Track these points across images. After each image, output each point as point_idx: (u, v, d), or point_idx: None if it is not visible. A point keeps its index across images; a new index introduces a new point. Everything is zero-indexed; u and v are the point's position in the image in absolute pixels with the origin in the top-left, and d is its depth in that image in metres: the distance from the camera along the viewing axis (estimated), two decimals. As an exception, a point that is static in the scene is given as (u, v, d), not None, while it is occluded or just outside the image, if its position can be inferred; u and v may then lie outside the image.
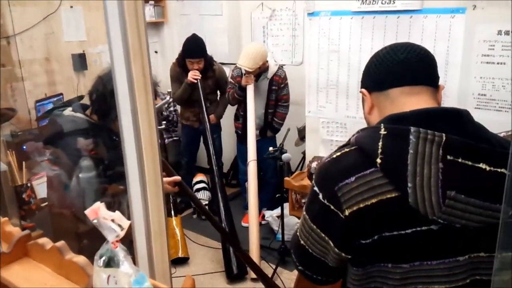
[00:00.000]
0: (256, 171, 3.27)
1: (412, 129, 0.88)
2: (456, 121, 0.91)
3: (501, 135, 1.36)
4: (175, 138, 4.32)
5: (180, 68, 3.69)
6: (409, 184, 0.86)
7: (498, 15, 1.98)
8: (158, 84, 4.16)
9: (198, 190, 4.06)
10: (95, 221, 0.75)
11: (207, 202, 3.94)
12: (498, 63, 2.01)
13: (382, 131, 0.91)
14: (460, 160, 0.86)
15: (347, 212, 0.91)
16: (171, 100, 3.83)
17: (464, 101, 2.12)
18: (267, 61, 3.49)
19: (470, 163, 0.87)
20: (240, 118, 3.68)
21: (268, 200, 3.81)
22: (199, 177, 4.16)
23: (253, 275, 2.92)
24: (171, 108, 4.17)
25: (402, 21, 2.26)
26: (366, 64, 1.05)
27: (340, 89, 2.60)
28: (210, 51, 3.81)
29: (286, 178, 2.77)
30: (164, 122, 4.06)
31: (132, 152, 0.92)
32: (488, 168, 0.86)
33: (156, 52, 4.76)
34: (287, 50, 4.03)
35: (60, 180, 1.37)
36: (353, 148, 0.96)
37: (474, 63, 2.09)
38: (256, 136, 3.49)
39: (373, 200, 0.89)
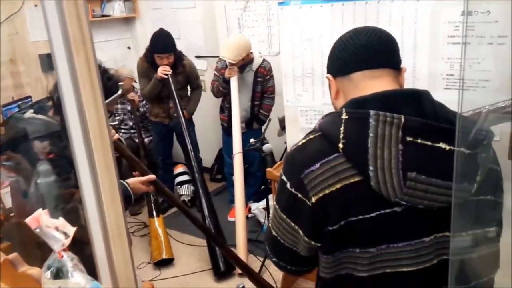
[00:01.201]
0: (242, 164, 3.23)
1: (372, 112, 0.88)
2: (416, 102, 0.90)
3: (469, 113, 1.34)
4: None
5: (148, 63, 3.60)
6: (371, 168, 0.86)
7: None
8: (135, 80, 4.10)
9: (181, 183, 4.00)
10: (37, 230, 0.69)
11: (190, 197, 3.89)
12: (463, 43, 2.00)
13: (344, 116, 0.91)
14: (419, 140, 0.86)
15: (313, 200, 0.92)
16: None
17: (433, 82, 2.14)
18: (251, 53, 3.44)
19: (429, 143, 0.86)
20: (226, 110, 3.64)
21: (254, 193, 3.79)
22: (180, 168, 4.11)
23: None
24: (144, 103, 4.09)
25: (370, 7, 2.27)
26: (330, 50, 1.04)
27: (315, 77, 2.62)
28: (185, 44, 3.76)
29: (269, 169, 2.74)
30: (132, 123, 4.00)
31: (81, 151, 0.87)
32: (447, 148, 0.86)
33: (129, 48, 4.68)
34: (263, 41, 3.99)
35: (18, 188, 1.30)
36: (317, 134, 0.96)
37: (441, 45, 2.12)
38: (242, 128, 3.47)
39: (338, 186, 0.89)
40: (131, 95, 3.84)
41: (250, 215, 3.70)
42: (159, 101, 3.72)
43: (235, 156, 3.24)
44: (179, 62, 3.63)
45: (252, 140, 2.98)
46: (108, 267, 0.94)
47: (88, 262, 0.91)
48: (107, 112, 1.96)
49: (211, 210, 3.22)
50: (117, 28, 4.54)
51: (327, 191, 0.90)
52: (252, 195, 3.79)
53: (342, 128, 0.90)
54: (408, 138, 0.86)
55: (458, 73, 2.06)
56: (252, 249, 3.22)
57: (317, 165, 0.91)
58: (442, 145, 0.86)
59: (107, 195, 0.89)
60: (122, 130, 4.11)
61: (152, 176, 1.84)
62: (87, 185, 0.88)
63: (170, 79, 3.50)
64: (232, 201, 3.55)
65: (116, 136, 1.85)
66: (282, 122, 3.40)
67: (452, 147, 0.86)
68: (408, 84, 2.28)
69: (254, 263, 3.07)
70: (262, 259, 3.04)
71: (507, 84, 1.96)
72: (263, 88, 3.55)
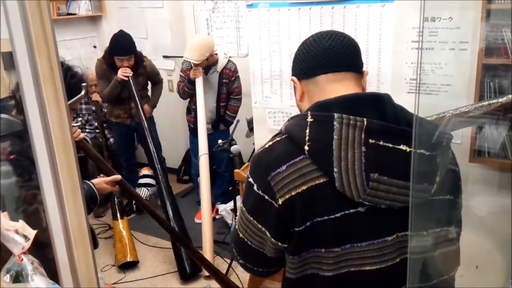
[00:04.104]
0: (208, 165, 3.22)
1: (336, 115, 0.90)
2: (377, 106, 0.93)
3: (433, 117, 1.39)
4: None
5: (107, 65, 3.53)
6: (335, 169, 0.88)
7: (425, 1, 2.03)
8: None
9: (140, 185, 3.96)
10: (-4, 233, 0.66)
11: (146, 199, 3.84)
12: (426, 49, 2.07)
13: (309, 119, 0.93)
14: (381, 143, 0.89)
15: (280, 201, 0.93)
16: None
17: (397, 86, 2.20)
18: (216, 54, 3.42)
19: (391, 145, 0.89)
20: (192, 111, 3.60)
21: (222, 194, 3.77)
22: (144, 171, 4.05)
23: (207, 273, 2.87)
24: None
25: (337, 11, 2.31)
26: (295, 53, 1.06)
27: (283, 79, 2.64)
28: (152, 44, 3.70)
29: (236, 170, 2.74)
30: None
31: (42, 151, 0.84)
32: (408, 149, 0.89)
33: (95, 47, 4.57)
34: (232, 42, 3.98)
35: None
36: (283, 137, 0.97)
37: (405, 50, 2.18)
38: (208, 129, 3.44)
39: (304, 187, 0.91)
40: (96, 96, 3.76)
41: (217, 217, 3.68)
42: (119, 102, 3.66)
43: (201, 157, 3.22)
44: (139, 63, 3.58)
45: (220, 141, 2.97)
46: (70, 269, 0.91)
47: (51, 265, 0.88)
48: (71, 111, 1.90)
49: (176, 211, 3.18)
50: (83, 26, 4.44)
51: (293, 193, 0.91)
52: (220, 196, 3.77)
53: (307, 131, 0.92)
54: (371, 140, 0.89)
55: (421, 77, 2.12)
56: (219, 251, 3.20)
57: (284, 167, 0.92)
58: (402, 147, 0.89)
59: (69, 197, 0.87)
60: (87, 130, 4.01)
61: (117, 176, 1.80)
62: (48, 186, 0.85)
63: (131, 81, 3.44)
64: (199, 202, 3.52)
65: (82, 135, 1.80)
66: (250, 123, 3.41)
67: (412, 149, 0.88)
68: (373, 88, 2.35)
69: (221, 265, 3.06)
70: (229, 261, 3.03)
71: (469, 89, 2.04)
72: (228, 89, 3.53)
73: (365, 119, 0.89)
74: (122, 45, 3.44)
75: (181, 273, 2.96)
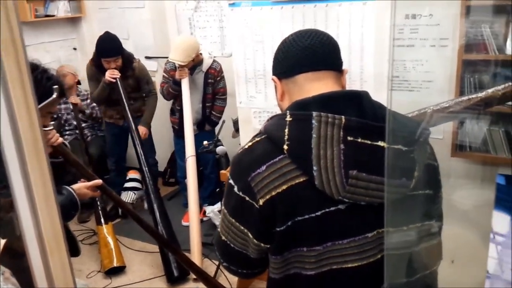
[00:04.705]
0: (196, 167, 3.18)
1: (314, 113, 0.90)
2: (356, 103, 0.93)
3: (414, 114, 1.39)
4: (100, 134, 4.10)
5: (96, 68, 3.50)
6: (314, 168, 0.88)
7: (405, 0, 2.04)
8: (80, 82, 3.96)
9: (126, 189, 3.92)
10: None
11: (131, 204, 3.80)
12: (407, 46, 2.09)
13: (288, 118, 0.93)
14: (359, 140, 0.89)
15: (261, 202, 0.92)
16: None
17: (379, 84, 2.21)
18: (200, 54, 3.39)
19: (369, 142, 0.89)
20: (177, 112, 3.56)
21: (209, 196, 3.74)
22: (131, 174, 4.00)
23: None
24: (94, 104, 3.95)
25: (319, 10, 2.31)
26: (275, 52, 1.05)
27: (268, 79, 2.63)
28: (134, 45, 3.66)
29: (223, 171, 2.72)
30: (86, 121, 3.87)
31: (13, 158, 0.81)
32: (386, 146, 0.89)
33: (75, 49, 4.51)
34: (216, 42, 3.95)
35: None
36: (263, 137, 0.97)
37: (387, 47, 2.18)
38: (194, 130, 3.41)
39: (284, 187, 0.91)
40: (73, 99, 3.70)
41: (205, 219, 3.65)
42: (112, 103, 3.62)
43: (188, 159, 3.18)
44: (128, 65, 3.53)
45: (205, 142, 2.94)
46: (45, 278, 0.88)
47: (27, 274, 0.86)
48: (50, 114, 1.86)
49: (164, 215, 3.14)
50: (62, 28, 4.36)
51: (274, 193, 0.91)
52: (207, 198, 3.74)
53: (286, 130, 0.91)
54: (349, 138, 0.89)
55: (403, 74, 2.13)
56: (207, 253, 3.17)
57: (263, 167, 0.92)
58: (380, 143, 0.89)
59: (42, 204, 0.84)
60: (67, 132, 3.95)
61: (98, 181, 1.77)
62: (20, 193, 0.82)
63: (118, 82, 3.41)
64: (185, 205, 3.49)
65: (60, 140, 1.76)
66: (236, 123, 3.38)
67: (390, 146, 0.89)
68: (355, 86, 2.35)
69: (210, 267, 3.04)
70: (217, 263, 3.01)
71: (449, 84, 2.05)
72: (214, 89, 3.51)
73: (343, 116, 0.89)
74: (107, 46, 3.41)
75: (169, 277, 2.93)
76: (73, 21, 4.44)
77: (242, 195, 0.95)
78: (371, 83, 2.22)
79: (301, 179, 0.90)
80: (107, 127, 3.88)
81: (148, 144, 3.79)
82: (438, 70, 2.06)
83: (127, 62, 3.52)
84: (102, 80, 3.44)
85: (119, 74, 3.42)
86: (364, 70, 2.26)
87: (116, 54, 3.42)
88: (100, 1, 4.26)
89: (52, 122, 3.65)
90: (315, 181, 0.89)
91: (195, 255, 2.90)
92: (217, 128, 3.43)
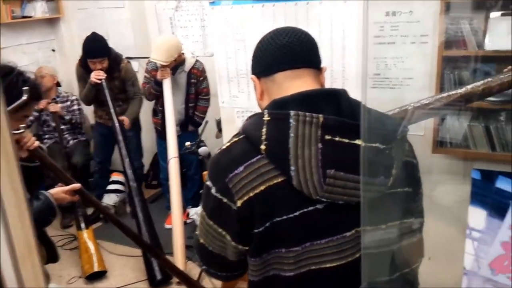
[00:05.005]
0: (178, 168, 3.14)
1: (292, 112, 0.88)
2: (334, 101, 0.92)
3: (395, 111, 1.38)
4: (81, 138, 4.00)
5: (83, 68, 3.48)
6: (292, 167, 0.87)
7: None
8: (59, 84, 3.88)
9: (107, 192, 3.86)
10: None
11: (113, 207, 3.74)
12: (388, 43, 2.09)
13: (266, 117, 0.91)
14: (337, 138, 0.88)
15: (239, 203, 0.91)
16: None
17: (361, 82, 2.18)
18: (183, 54, 3.35)
19: (346, 140, 0.88)
20: (159, 113, 3.51)
21: (192, 197, 3.70)
22: (114, 176, 3.94)
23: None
24: (75, 107, 3.87)
25: (300, 8, 2.29)
26: (254, 50, 1.04)
27: (250, 78, 2.59)
28: (114, 45, 3.60)
29: (205, 172, 2.68)
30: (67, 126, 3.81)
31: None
32: (363, 144, 0.88)
33: (53, 50, 4.42)
34: (198, 41, 3.92)
35: None
36: (241, 137, 0.96)
37: (368, 45, 2.16)
38: (177, 131, 3.36)
39: (262, 187, 0.89)
40: (53, 107, 3.61)
41: (188, 221, 3.60)
42: (102, 103, 3.57)
43: (170, 161, 3.13)
44: (114, 66, 3.50)
45: (188, 143, 2.90)
46: (17, 286, 0.85)
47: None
48: (26, 117, 1.80)
49: (147, 218, 3.10)
50: (40, 29, 4.27)
51: (251, 194, 0.90)
52: (190, 199, 3.69)
53: (264, 130, 0.90)
54: (327, 137, 0.88)
55: (384, 72, 2.13)
56: (191, 256, 3.13)
57: (241, 168, 0.91)
58: (358, 142, 0.88)
59: (13, 210, 0.81)
60: (46, 136, 3.87)
61: (76, 185, 1.73)
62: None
63: (103, 84, 3.37)
64: (169, 207, 3.44)
65: (36, 143, 1.71)
66: (219, 124, 3.35)
67: (367, 144, 0.88)
68: (338, 84, 2.34)
69: (194, 269, 3.00)
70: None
71: (430, 81, 2.06)
72: (197, 89, 3.47)
73: (321, 115, 0.88)
74: (93, 47, 3.38)
75: (152, 281, 2.89)
76: (51, 22, 4.35)
77: (220, 197, 0.94)
78: (352, 81, 2.23)
79: (279, 179, 0.89)
80: (96, 127, 3.85)
81: (134, 146, 3.74)
82: (419, 67, 2.07)
83: (114, 63, 3.49)
84: (88, 81, 3.41)
85: (105, 76, 3.38)
86: (346, 68, 2.26)
87: (102, 55, 3.39)
88: (79, 1, 4.19)
89: (29, 124, 3.58)
90: (293, 181, 0.87)
91: (178, 258, 2.86)
92: (200, 129, 3.39)
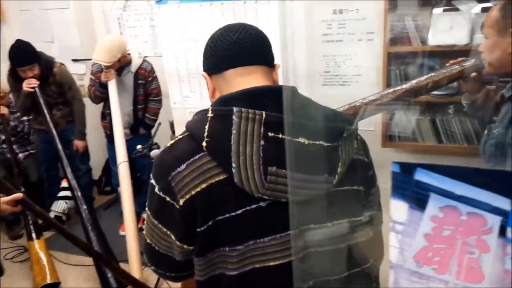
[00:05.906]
0: (129, 173, 3.03)
1: (235, 109, 0.87)
2: (280, 98, 0.89)
3: (345, 107, 1.39)
4: (32, 151, 3.82)
5: (13, 78, 3.30)
6: (233, 165, 0.86)
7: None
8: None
9: (57, 198, 3.73)
10: None
11: (64, 214, 3.60)
12: (336, 41, 2.11)
13: (209, 114, 0.89)
14: (280, 136, 0.87)
15: (181, 202, 0.89)
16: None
17: (312, 80, 2.22)
18: (128, 54, 3.24)
19: (290, 138, 0.86)
20: (107, 116, 3.38)
21: (148, 202, 3.60)
22: (64, 183, 3.79)
23: (135, 286, 2.71)
24: (24, 118, 3.69)
25: (249, 6, 2.29)
26: (204, 47, 1.01)
27: (202, 77, 2.55)
28: (59, 47, 3.46)
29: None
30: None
31: None
32: (306, 142, 0.87)
33: (-5, 56, 4.18)
34: (147, 41, 3.83)
35: None
36: (185, 134, 0.94)
37: (316, 43, 2.19)
38: (127, 134, 3.25)
39: (203, 185, 0.88)
40: (2, 109, 3.43)
41: (143, 226, 3.51)
42: (40, 111, 3.39)
43: (119, 165, 3.03)
44: (47, 71, 3.33)
45: (139, 146, 2.81)
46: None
47: None
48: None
49: (95, 225, 2.98)
50: (-22, 33, 4.04)
51: (193, 192, 0.88)
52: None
53: (207, 127, 0.89)
54: (270, 134, 0.87)
55: (334, 69, 2.16)
56: (147, 262, 3.05)
57: (183, 166, 0.89)
58: (301, 139, 0.87)
59: None
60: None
61: (18, 195, 1.65)
62: None
63: (37, 91, 3.22)
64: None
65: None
66: (173, 125, 3.28)
67: (311, 141, 0.87)
68: (289, 83, 2.34)
69: (150, 276, 2.91)
70: (159, 271, 2.90)
71: (378, 78, 2.10)
72: (146, 90, 3.37)
73: (264, 112, 0.87)
74: (19, 55, 3.19)
75: (107, 290, 2.79)
76: (-9, 24, 4.13)
77: (163, 196, 0.92)
78: (303, 79, 2.24)
79: (221, 177, 0.88)
80: (38, 135, 3.67)
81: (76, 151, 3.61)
82: (367, 64, 2.11)
83: (46, 68, 3.32)
84: (22, 91, 3.24)
85: (37, 83, 3.23)
86: (297, 66, 2.27)
87: (30, 62, 3.21)
88: (20, 2, 4.00)
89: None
90: (235, 178, 0.86)
91: (134, 265, 2.77)
92: (153, 131, 3.30)
